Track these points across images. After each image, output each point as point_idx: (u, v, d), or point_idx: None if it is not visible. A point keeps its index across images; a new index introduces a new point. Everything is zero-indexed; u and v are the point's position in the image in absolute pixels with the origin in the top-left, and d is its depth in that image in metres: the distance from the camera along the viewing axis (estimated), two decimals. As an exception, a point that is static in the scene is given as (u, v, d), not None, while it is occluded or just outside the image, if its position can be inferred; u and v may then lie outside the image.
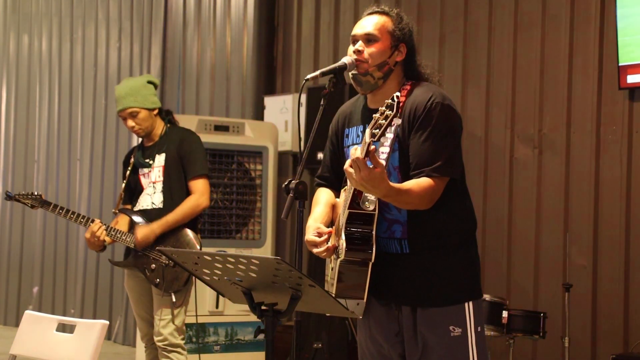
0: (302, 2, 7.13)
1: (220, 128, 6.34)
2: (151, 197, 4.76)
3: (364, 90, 3.03)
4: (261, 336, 2.57)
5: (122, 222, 4.77)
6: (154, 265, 4.66)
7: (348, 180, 2.76)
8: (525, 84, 5.69)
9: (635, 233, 5.20)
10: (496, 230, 5.74)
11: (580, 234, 5.35)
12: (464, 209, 3.03)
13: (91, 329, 3.00)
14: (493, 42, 5.86)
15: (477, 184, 5.74)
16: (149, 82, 4.83)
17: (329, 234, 2.97)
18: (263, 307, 2.58)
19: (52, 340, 3.11)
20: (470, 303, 2.97)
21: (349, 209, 2.86)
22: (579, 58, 5.46)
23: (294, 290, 2.48)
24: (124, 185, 4.87)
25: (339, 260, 2.86)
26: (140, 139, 4.93)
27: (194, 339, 6.00)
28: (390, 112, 2.58)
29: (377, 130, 2.59)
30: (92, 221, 4.64)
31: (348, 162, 2.67)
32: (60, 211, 4.64)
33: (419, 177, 2.86)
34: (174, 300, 4.62)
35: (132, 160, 4.87)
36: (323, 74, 2.95)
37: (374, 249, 2.85)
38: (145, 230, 4.63)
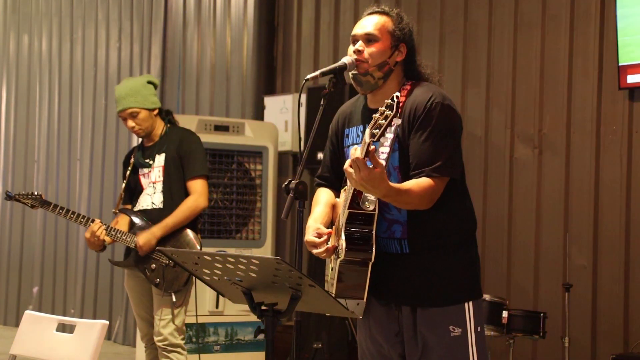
0: (302, 2, 7.13)
1: (220, 128, 6.33)
2: (151, 197, 4.76)
3: (364, 90, 3.03)
4: (261, 336, 2.58)
5: (122, 222, 4.77)
6: (154, 265, 4.66)
7: (348, 180, 2.76)
8: (525, 84, 5.69)
9: (635, 233, 5.20)
10: (496, 230, 5.74)
11: (580, 234, 5.35)
12: (464, 209, 3.03)
13: (91, 329, 3.00)
14: (493, 42, 5.86)
15: (477, 184, 5.74)
16: (149, 82, 4.83)
17: (329, 234, 2.97)
18: (263, 307, 2.58)
19: (52, 340, 3.11)
20: (470, 303, 2.97)
21: (348, 209, 2.86)
22: (579, 58, 5.46)
23: (294, 290, 2.48)
24: (124, 185, 4.87)
25: (339, 260, 2.86)
26: (140, 139, 4.93)
27: (194, 339, 6.00)
28: (390, 112, 2.58)
29: (377, 130, 2.59)
30: (92, 221, 4.64)
31: (348, 162, 2.67)
32: (60, 211, 4.64)
33: (419, 177, 2.86)
34: (174, 300, 4.62)
35: (132, 160, 4.87)
36: (323, 74, 2.95)
37: (373, 249, 2.85)
38: (146, 235, 4.63)
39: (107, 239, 4.65)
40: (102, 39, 8.65)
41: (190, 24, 7.85)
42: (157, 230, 4.64)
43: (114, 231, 4.66)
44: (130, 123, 4.74)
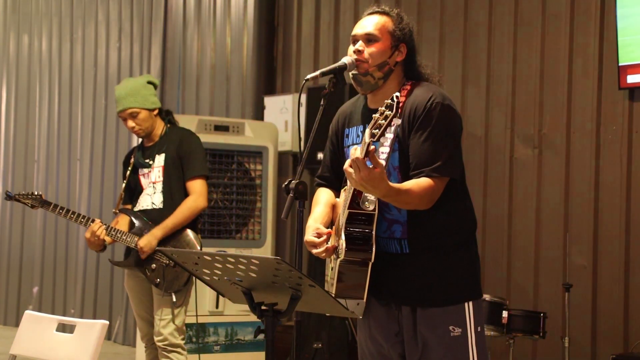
0: (302, 2, 7.13)
1: (220, 128, 6.33)
2: (151, 197, 4.76)
3: (364, 90, 3.03)
4: (261, 336, 2.57)
5: (122, 222, 4.77)
6: (154, 265, 4.66)
7: (348, 180, 2.76)
8: (525, 83, 5.69)
9: (635, 233, 5.20)
10: (496, 230, 5.74)
11: (580, 234, 5.35)
12: (464, 209, 3.03)
13: (91, 329, 3.00)
14: (493, 42, 5.86)
15: (477, 184, 5.74)
16: (149, 83, 4.83)
17: (328, 234, 2.97)
18: (263, 307, 2.58)
19: (52, 340, 3.11)
20: (470, 303, 2.97)
21: (348, 209, 2.86)
22: (579, 58, 5.46)
23: (294, 290, 2.48)
24: (124, 185, 4.87)
25: (339, 260, 2.86)
26: (140, 139, 4.93)
27: (194, 339, 6.00)
28: (390, 112, 2.58)
29: (377, 130, 2.59)
30: (92, 221, 4.64)
31: (348, 162, 2.67)
32: (61, 211, 4.64)
33: (419, 177, 2.86)
34: (174, 300, 4.62)
35: (132, 160, 4.87)
36: (323, 74, 2.95)
37: (373, 249, 2.85)
38: (147, 237, 4.63)
39: (108, 239, 4.66)
40: (102, 39, 8.65)
41: (190, 24, 7.85)
42: (158, 231, 4.64)
43: (114, 231, 4.66)
44: (130, 123, 4.74)
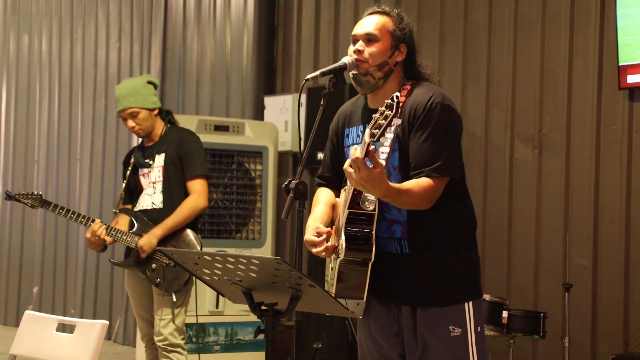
0: (302, 2, 7.13)
1: (220, 128, 6.34)
2: (151, 197, 4.76)
3: (364, 90, 3.03)
4: (261, 336, 2.57)
5: (122, 222, 4.77)
6: (154, 265, 4.66)
7: (348, 180, 2.76)
8: (525, 84, 5.69)
9: (635, 233, 5.20)
10: (496, 230, 5.74)
11: (580, 234, 5.35)
12: (464, 208, 3.03)
13: (91, 329, 3.00)
14: (493, 42, 5.86)
15: (477, 184, 5.74)
16: (149, 82, 4.83)
17: (328, 233, 2.97)
18: (263, 307, 2.58)
19: (52, 340, 3.11)
20: (470, 303, 2.97)
21: (348, 208, 2.86)
22: (579, 58, 5.46)
23: (294, 290, 2.48)
24: (124, 185, 4.87)
25: (339, 260, 2.86)
26: (140, 139, 4.93)
27: (194, 339, 6.00)
28: (390, 112, 2.58)
29: (377, 130, 2.59)
30: (93, 221, 4.64)
31: (348, 162, 2.67)
32: (61, 211, 4.64)
33: (419, 177, 2.86)
34: (174, 300, 4.62)
35: (132, 160, 4.87)
36: (323, 74, 2.95)
37: (373, 248, 2.85)
38: (147, 237, 4.63)
39: (108, 238, 4.66)
40: (102, 39, 8.65)
41: (190, 24, 7.85)
42: (158, 230, 4.64)
43: (114, 231, 4.66)
44: (130, 123, 4.75)
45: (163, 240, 4.66)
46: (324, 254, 2.93)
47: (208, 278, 2.63)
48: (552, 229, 5.51)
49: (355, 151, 2.63)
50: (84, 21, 8.86)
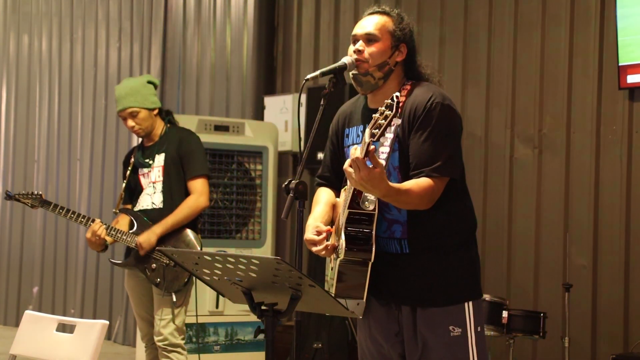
0: (302, 2, 7.13)
1: (220, 128, 6.34)
2: (151, 197, 4.76)
3: (364, 90, 3.03)
4: (261, 336, 2.57)
5: (122, 222, 4.77)
6: (154, 265, 4.66)
7: (348, 180, 2.76)
8: (525, 84, 5.69)
9: (635, 233, 5.20)
10: (496, 230, 5.74)
11: (580, 234, 5.35)
12: (464, 209, 3.03)
13: (91, 329, 3.00)
14: (493, 43, 5.86)
15: (477, 184, 5.74)
16: (149, 82, 4.83)
17: (328, 231, 2.97)
18: (263, 307, 2.58)
19: (52, 340, 3.11)
20: (470, 303, 2.97)
21: (348, 208, 2.86)
22: (579, 58, 5.46)
23: (294, 290, 2.48)
24: (124, 185, 4.87)
25: (338, 260, 2.86)
26: (140, 139, 4.93)
27: (194, 339, 6.00)
28: (390, 112, 2.58)
29: (377, 130, 2.59)
30: (93, 221, 4.64)
31: (348, 162, 2.67)
32: (61, 211, 4.64)
33: (419, 177, 2.86)
34: (174, 300, 4.62)
35: (132, 160, 4.87)
36: (323, 74, 2.95)
37: (373, 248, 2.85)
38: (146, 234, 4.63)
39: (109, 238, 4.66)
40: (102, 39, 8.65)
41: (190, 24, 7.85)
42: (158, 228, 4.64)
43: (114, 231, 4.66)
44: (130, 123, 4.75)
45: (163, 240, 4.66)
46: (323, 252, 2.93)
47: (208, 278, 2.63)
48: (552, 229, 5.51)
49: (355, 151, 2.64)
50: (84, 21, 8.86)
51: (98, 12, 8.70)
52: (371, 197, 2.85)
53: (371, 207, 2.87)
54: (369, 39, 2.99)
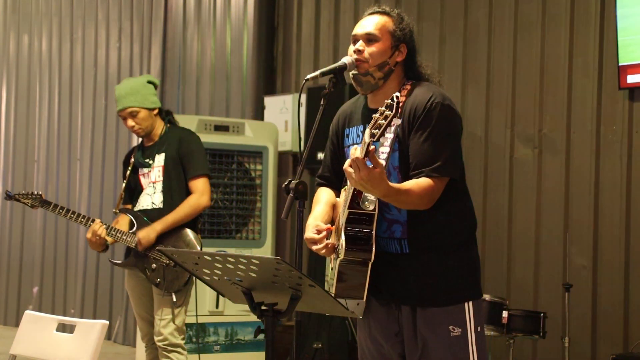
0: (302, 2, 7.13)
1: (220, 128, 6.34)
2: (151, 197, 4.76)
3: (364, 90, 3.03)
4: (261, 336, 2.57)
5: (122, 222, 4.77)
6: (154, 265, 4.66)
7: (348, 180, 2.76)
8: (525, 84, 5.69)
9: (635, 233, 5.20)
10: (496, 230, 5.74)
11: (580, 234, 5.35)
12: (464, 209, 3.03)
13: (91, 329, 3.00)
14: (493, 42, 5.86)
15: (477, 183, 5.74)
16: (149, 82, 4.83)
17: (328, 230, 2.97)
18: (263, 307, 2.58)
19: (52, 340, 3.11)
20: (470, 303, 2.97)
21: (348, 208, 2.86)
22: (579, 58, 5.46)
23: (294, 290, 2.48)
24: (124, 185, 4.87)
25: (339, 260, 2.86)
26: (140, 139, 4.93)
27: (194, 339, 6.00)
28: (390, 112, 2.58)
29: (377, 130, 2.59)
30: (93, 221, 4.64)
31: (348, 162, 2.67)
32: (61, 211, 4.64)
33: (419, 177, 2.86)
34: (174, 300, 4.62)
35: (132, 160, 4.88)
36: (323, 74, 2.95)
37: (373, 248, 2.85)
38: (146, 230, 4.63)
39: (109, 239, 4.66)
40: (102, 39, 8.65)
41: (190, 24, 7.86)
42: (158, 225, 4.64)
43: (114, 231, 4.66)
44: (130, 122, 4.75)
45: (162, 239, 4.66)
46: (324, 251, 2.93)
47: (208, 278, 2.63)
48: (552, 229, 5.51)
49: (355, 151, 2.64)
50: (84, 21, 8.86)
51: (98, 12, 8.70)
52: (371, 197, 2.85)
53: (371, 207, 2.87)
54: (369, 39, 2.99)
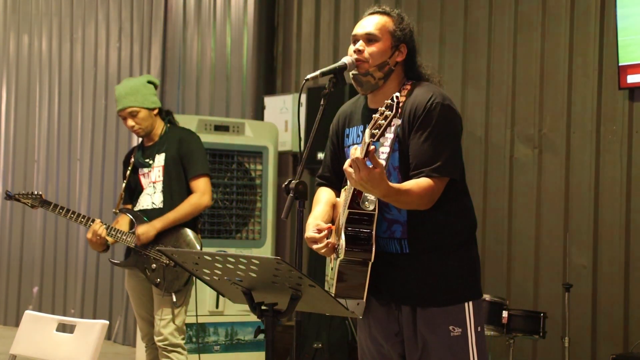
0: (302, 2, 7.13)
1: (220, 128, 6.34)
2: (151, 197, 4.76)
3: (364, 90, 3.03)
4: (261, 336, 2.57)
5: (122, 222, 4.77)
6: (154, 265, 4.66)
7: (348, 180, 2.76)
8: (525, 84, 5.69)
9: (635, 233, 5.20)
10: (496, 230, 5.74)
11: (580, 234, 5.35)
12: (464, 209, 3.03)
13: (91, 329, 3.00)
14: (493, 42, 5.86)
15: (477, 183, 5.74)
16: (149, 82, 4.83)
17: (329, 229, 2.97)
18: (263, 307, 2.58)
19: (52, 340, 3.11)
20: (470, 303, 2.97)
21: (348, 208, 2.86)
22: (579, 58, 5.46)
23: (294, 290, 2.48)
24: (124, 185, 4.87)
25: (339, 260, 2.87)
26: (140, 139, 4.94)
27: (194, 339, 6.00)
28: (390, 112, 2.58)
29: (377, 130, 2.59)
30: (93, 221, 4.64)
31: (348, 162, 2.67)
32: (61, 211, 4.64)
33: (419, 178, 2.86)
34: (174, 300, 4.62)
35: (132, 160, 4.88)
36: (323, 74, 2.95)
37: (373, 248, 2.85)
38: (146, 226, 4.64)
39: (110, 239, 4.66)
40: (102, 39, 8.65)
41: (190, 24, 7.86)
42: (158, 222, 4.64)
43: (114, 231, 4.66)
44: (130, 122, 4.75)
45: (162, 238, 4.66)
46: (324, 250, 2.93)
47: (208, 278, 2.63)
48: (552, 229, 5.51)
49: (355, 151, 2.64)
50: (84, 21, 8.86)
51: (98, 12, 8.70)
52: (371, 197, 2.85)
53: (371, 207, 2.87)
54: (369, 39, 2.99)
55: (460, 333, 2.93)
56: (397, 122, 2.83)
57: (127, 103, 4.73)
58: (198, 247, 4.69)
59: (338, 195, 3.15)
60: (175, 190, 4.73)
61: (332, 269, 2.98)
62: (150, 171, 4.78)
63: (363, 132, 3.01)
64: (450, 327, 2.93)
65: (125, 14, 8.42)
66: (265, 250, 6.43)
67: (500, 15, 5.83)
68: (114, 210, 4.94)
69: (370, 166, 2.62)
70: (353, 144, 3.05)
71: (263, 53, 7.23)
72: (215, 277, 2.60)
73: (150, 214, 4.72)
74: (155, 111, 4.81)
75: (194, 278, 4.45)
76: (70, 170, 8.87)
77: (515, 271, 5.67)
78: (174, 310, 4.65)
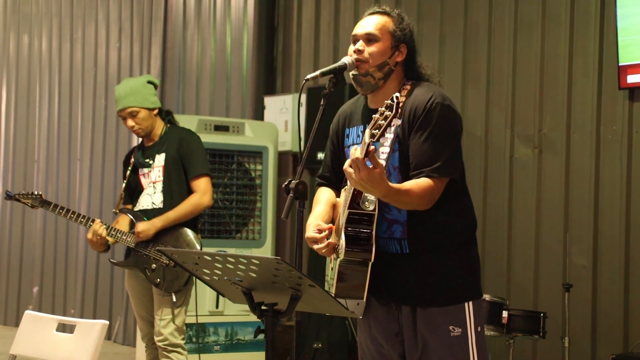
0: (302, 2, 7.13)
1: (220, 128, 6.34)
2: (151, 197, 4.76)
3: (364, 90, 3.03)
4: (261, 336, 2.57)
5: (122, 222, 4.77)
6: (154, 265, 4.66)
7: (348, 180, 2.76)
8: (525, 84, 5.69)
9: (635, 233, 5.20)
10: (496, 230, 5.74)
11: (580, 234, 5.35)
12: (464, 209, 3.03)
13: (91, 329, 3.00)
14: (493, 42, 5.86)
15: (477, 184, 5.74)
16: (149, 82, 4.83)
17: (330, 229, 2.97)
18: (263, 307, 2.58)
19: (52, 340, 3.11)
20: (470, 303, 2.97)
21: (348, 208, 2.86)
22: (579, 58, 5.46)
23: (294, 290, 2.48)
24: (124, 185, 4.88)
25: (339, 260, 2.87)
26: (140, 139, 4.94)
27: (194, 339, 6.00)
28: (390, 112, 2.58)
29: (377, 130, 2.59)
30: (93, 221, 4.64)
31: (347, 162, 2.68)
32: (61, 211, 4.64)
33: (419, 178, 2.86)
34: (174, 300, 4.62)
35: (132, 160, 4.88)
36: (323, 74, 2.95)
37: (373, 249, 2.85)
38: (146, 224, 4.64)
39: (110, 239, 4.66)
40: (102, 39, 8.65)
41: (190, 24, 7.86)
42: (158, 221, 4.65)
43: (114, 231, 4.67)
44: (130, 122, 4.75)
45: (162, 238, 4.66)
46: (325, 250, 2.94)
47: (208, 278, 2.63)
48: (552, 229, 5.51)
49: (355, 151, 2.64)
50: (84, 21, 8.86)
51: (98, 12, 8.70)
52: (371, 197, 2.85)
53: (371, 208, 2.87)
54: (369, 39, 2.99)
55: (460, 333, 2.93)
56: (397, 122, 2.84)
57: (127, 103, 4.73)
58: (198, 247, 4.69)
59: (338, 195, 3.15)
60: (176, 190, 4.73)
61: (332, 269, 2.98)
62: (150, 171, 4.78)
63: (363, 132, 3.01)
64: (450, 327, 2.93)
65: (125, 14, 8.42)
66: (265, 250, 6.43)
67: (500, 15, 5.83)
68: (114, 210, 4.94)
69: (370, 166, 2.62)
70: (353, 144, 3.05)
71: (263, 53, 7.23)
72: (215, 277, 2.60)
73: (150, 214, 4.72)
74: (155, 111, 4.81)
75: (194, 278, 4.45)
76: (70, 170, 8.87)
77: (515, 271, 5.67)
78: (174, 310, 4.65)
